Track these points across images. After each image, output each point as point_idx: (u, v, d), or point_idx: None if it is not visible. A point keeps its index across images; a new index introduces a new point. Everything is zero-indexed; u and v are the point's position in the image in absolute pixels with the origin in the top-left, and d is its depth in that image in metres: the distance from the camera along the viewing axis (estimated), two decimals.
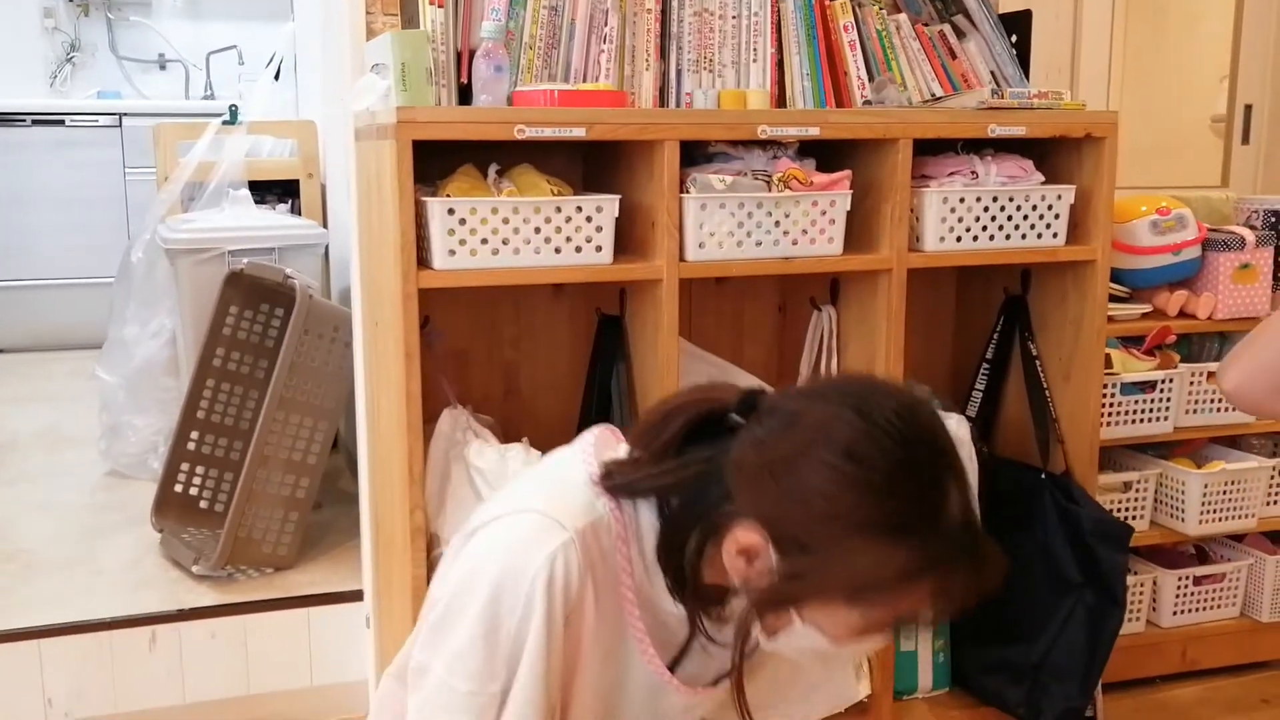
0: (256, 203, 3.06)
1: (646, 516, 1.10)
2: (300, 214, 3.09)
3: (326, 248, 2.80)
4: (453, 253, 1.66)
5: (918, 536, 0.96)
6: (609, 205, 1.72)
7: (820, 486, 0.97)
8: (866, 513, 0.96)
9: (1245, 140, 4.76)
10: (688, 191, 1.76)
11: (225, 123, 3.04)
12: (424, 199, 1.65)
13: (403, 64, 1.69)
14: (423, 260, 1.69)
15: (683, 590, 1.10)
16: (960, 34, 2.10)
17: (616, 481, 1.09)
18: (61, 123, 4.81)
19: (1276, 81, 4.61)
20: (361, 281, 1.99)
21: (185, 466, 2.51)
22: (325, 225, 3.03)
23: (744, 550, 1.02)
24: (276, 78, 3.74)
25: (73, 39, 5.30)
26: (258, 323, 2.53)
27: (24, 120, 4.76)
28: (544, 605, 1.03)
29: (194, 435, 2.52)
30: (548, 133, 1.67)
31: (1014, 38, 2.15)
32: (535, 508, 1.07)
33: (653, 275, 1.76)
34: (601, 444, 1.15)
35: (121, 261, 2.94)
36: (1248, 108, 4.73)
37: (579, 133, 1.69)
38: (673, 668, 1.16)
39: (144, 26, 5.36)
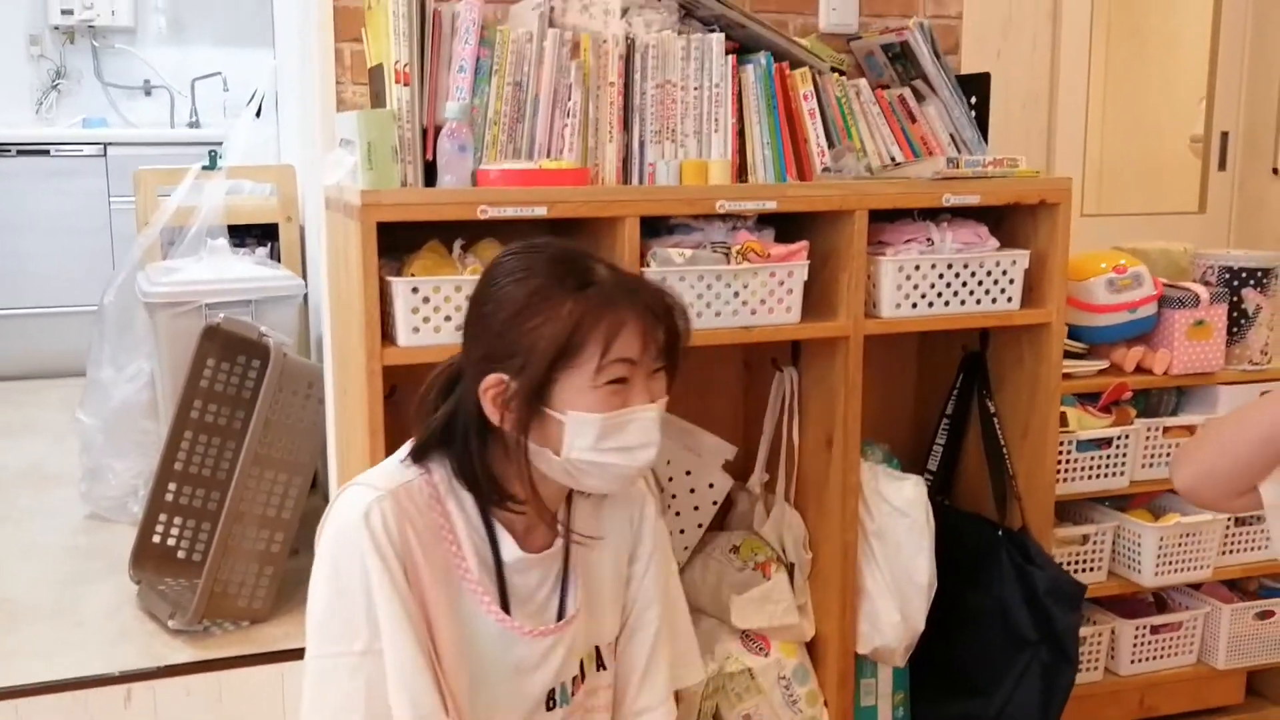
0: (235, 245, 3.11)
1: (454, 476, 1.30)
2: (280, 257, 3.13)
3: (305, 295, 2.84)
4: (416, 330, 1.70)
5: (576, 292, 1.22)
6: None
7: (501, 304, 1.24)
8: (532, 295, 1.23)
9: (1222, 166, 4.82)
10: (648, 265, 1.81)
11: (205, 168, 3.08)
12: (389, 279, 1.69)
13: (369, 143, 1.73)
14: (388, 334, 1.73)
15: (508, 506, 1.29)
16: (920, 97, 2.15)
17: (415, 453, 1.30)
18: (47, 152, 4.85)
19: (1251, 109, 4.67)
20: (332, 347, 2.03)
21: (163, 518, 2.55)
22: (304, 267, 3.07)
23: (492, 396, 1.24)
24: (258, 115, 3.77)
25: (58, 66, 5.34)
26: (235, 374, 2.57)
27: (9, 150, 4.80)
28: (373, 550, 1.21)
29: (171, 487, 2.56)
30: (510, 212, 1.72)
31: (973, 99, 2.19)
32: (353, 483, 1.29)
33: None
34: None
35: (98, 304, 2.99)
36: (1224, 134, 4.78)
37: (540, 211, 1.73)
38: (513, 614, 1.31)
39: (129, 54, 5.39)
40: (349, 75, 2.01)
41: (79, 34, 5.32)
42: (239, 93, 5.35)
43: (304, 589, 2.57)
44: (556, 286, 1.23)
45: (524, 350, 1.22)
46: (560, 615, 1.35)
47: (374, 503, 1.23)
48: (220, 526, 2.28)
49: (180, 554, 2.57)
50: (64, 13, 5.18)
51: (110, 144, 4.89)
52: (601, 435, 1.23)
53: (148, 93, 5.46)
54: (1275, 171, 4.58)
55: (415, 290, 1.69)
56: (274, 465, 2.32)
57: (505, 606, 1.30)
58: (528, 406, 1.23)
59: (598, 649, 1.40)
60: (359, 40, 1.99)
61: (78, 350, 4.25)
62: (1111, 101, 5.65)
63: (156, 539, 2.56)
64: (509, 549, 1.31)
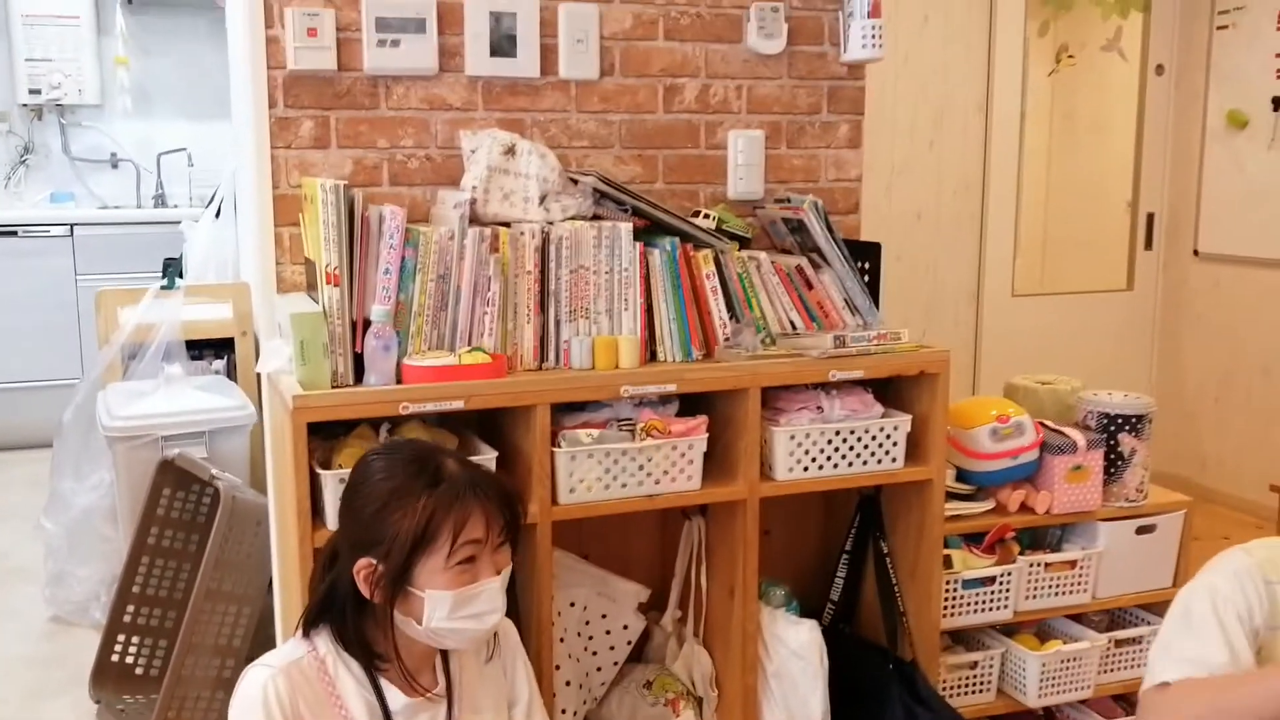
0: (193, 358, 3.27)
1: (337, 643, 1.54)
2: (235, 369, 3.29)
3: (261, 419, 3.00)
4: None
5: (430, 489, 1.49)
6: (486, 462, 1.94)
7: (368, 499, 1.52)
8: (393, 493, 1.49)
9: (1148, 246, 5.07)
10: (559, 445, 1.99)
11: (163, 287, 3.23)
12: (320, 471, 1.87)
13: (301, 341, 1.90)
14: (319, 514, 1.90)
15: (376, 664, 1.54)
16: (816, 266, 2.34)
17: (304, 626, 1.56)
18: (14, 233, 5.00)
19: (1174, 194, 4.91)
20: (275, 506, 2.20)
21: (121, 637, 2.71)
22: (259, 381, 3.23)
23: (364, 576, 1.50)
24: (217, 215, 3.93)
25: (26, 141, 5.49)
26: (189, 501, 2.74)
27: None
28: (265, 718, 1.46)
29: (130, 609, 2.72)
30: (430, 407, 1.90)
31: (865, 265, 2.38)
32: (255, 664, 1.54)
33: (528, 520, 1.98)
34: None
35: (59, 419, 3.15)
36: (1150, 216, 5.04)
37: (458, 404, 1.92)
38: None
39: (96, 130, 5.54)
40: (288, 257, 2.18)
41: (47, 110, 5.46)
42: (203, 166, 5.54)
43: None
44: (413, 484, 1.50)
45: (388, 539, 1.48)
46: None
47: (269, 680, 1.49)
48: (175, 658, 2.44)
49: (138, 670, 2.74)
50: (32, 91, 5.33)
51: (77, 224, 5.05)
52: (455, 607, 1.50)
53: (114, 165, 5.62)
54: (1196, 253, 4.83)
55: (342, 480, 1.86)
56: (225, 599, 2.49)
57: None
58: (393, 586, 1.50)
59: None
60: (298, 224, 2.16)
61: (46, 423, 4.42)
62: (1055, 181, 5.91)
63: (115, 658, 2.72)
64: (395, 698, 1.55)
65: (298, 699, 1.49)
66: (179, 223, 4.40)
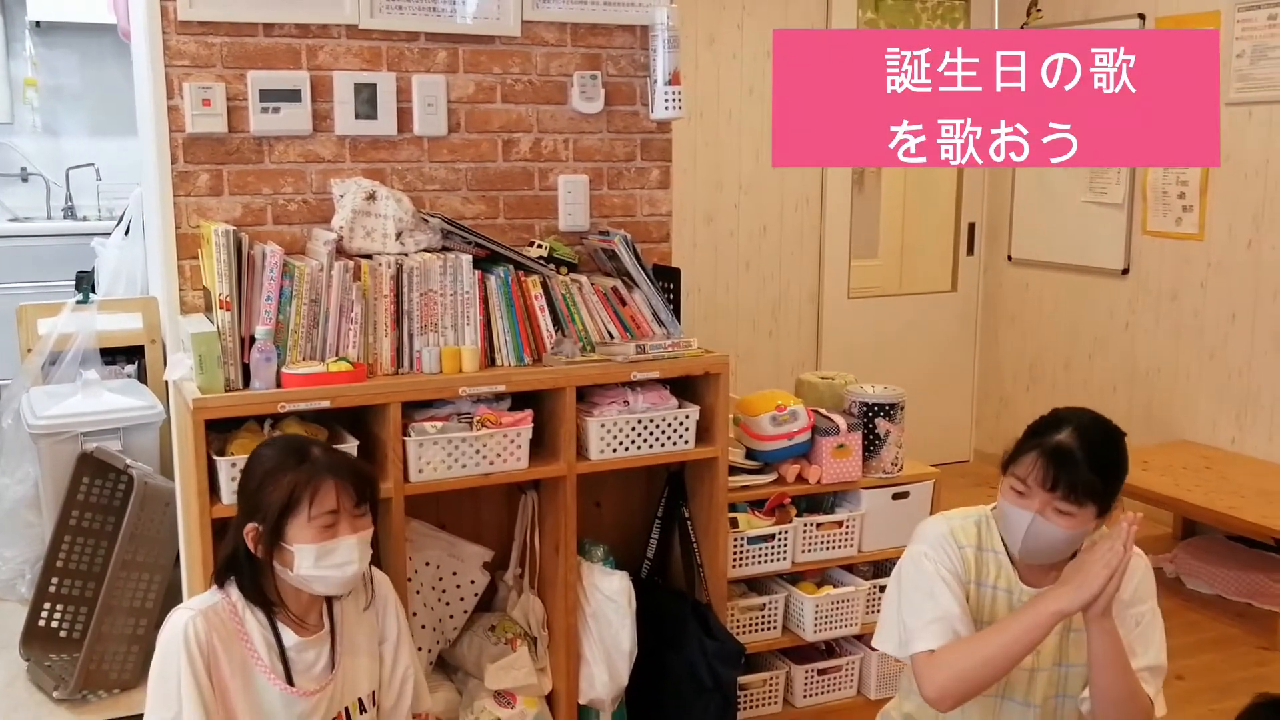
0: (107, 364, 3.70)
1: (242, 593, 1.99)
2: (146, 373, 3.73)
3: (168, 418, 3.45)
4: (234, 493, 2.37)
5: (294, 467, 1.95)
6: (348, 449, 2.45)
7: (251, 478, 1.99)
8: (267, 474, 1.96)
9: (970, 252, 5.72)
10: (409, 435, 2.51)
11: (79, 302, 3.66)
12: (215, 458, 2.36)
13: (200, 355, 2.39)
14: (215, 492, 2.39)
15: (274, 608, 1.99)
16: (629, 287, 2.88)
17: (216, 577, 2.02)
18: None
19: (992, 206, 5.57)
20: (180, 489, 2.68)
21: (47, 605, 3.16)
22: (167, 383, 3.68)
23: (251, 537, 1.95)
24: (127, 233, 4.34)
25: None
26: (106, 488, 3.19)
27: None
28: (185, 652, 1.88)
29: (54, 580, 3.16)
30: (302, 406, 2.40)
31: (670, 286, 2.93)
32: (180, 606, 1.99)
33: (383, 495, 2.49)
34: None
35: None
36: (971, 225, 5.69)
37: (325, 404, 2.42)
38: (295, 682, 2.00)
39: (6, 146, 5.87)
40: (189, 284, 2.65)
41: None
42: (110, 180, 5.91)
43: None
44: (283, 466, 1.97)
45: (264, 508, 1.95)
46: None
47: (190, 620, 1.92)
48: (95, 617, 2.90)
49: (62, 634, 3.18)
50: None
51: None
52: (318, 558, 1.95)
53: (24, 179, 5.95)
54: (1009, 259, 5.50)
55: (234, 465, 2.36)
56: (139, 568, 2.95)
57: (290, 677, 2.00)
58: (270, 543, 1.95)
59: (360, 700, 2.11)
60: (197, 257, 2.64)
61: None
62: (910, 194, 6.54)
63: (42, 623, 3.16)
64: (289, 637, 2.01)
65: (213, 635, 1.92)
66: (89, 235, 4.81)
